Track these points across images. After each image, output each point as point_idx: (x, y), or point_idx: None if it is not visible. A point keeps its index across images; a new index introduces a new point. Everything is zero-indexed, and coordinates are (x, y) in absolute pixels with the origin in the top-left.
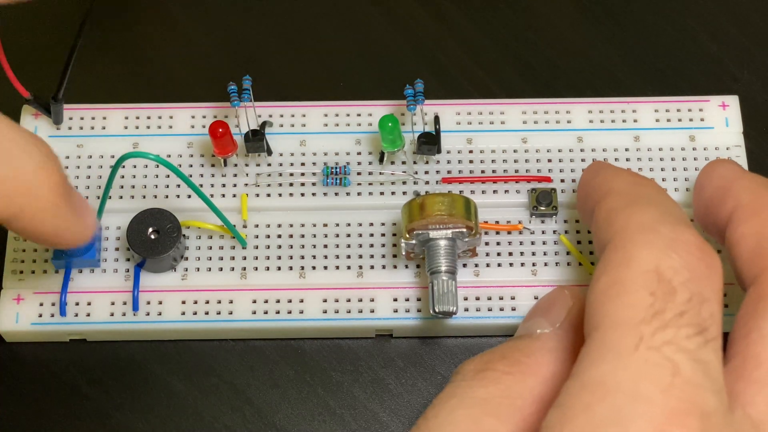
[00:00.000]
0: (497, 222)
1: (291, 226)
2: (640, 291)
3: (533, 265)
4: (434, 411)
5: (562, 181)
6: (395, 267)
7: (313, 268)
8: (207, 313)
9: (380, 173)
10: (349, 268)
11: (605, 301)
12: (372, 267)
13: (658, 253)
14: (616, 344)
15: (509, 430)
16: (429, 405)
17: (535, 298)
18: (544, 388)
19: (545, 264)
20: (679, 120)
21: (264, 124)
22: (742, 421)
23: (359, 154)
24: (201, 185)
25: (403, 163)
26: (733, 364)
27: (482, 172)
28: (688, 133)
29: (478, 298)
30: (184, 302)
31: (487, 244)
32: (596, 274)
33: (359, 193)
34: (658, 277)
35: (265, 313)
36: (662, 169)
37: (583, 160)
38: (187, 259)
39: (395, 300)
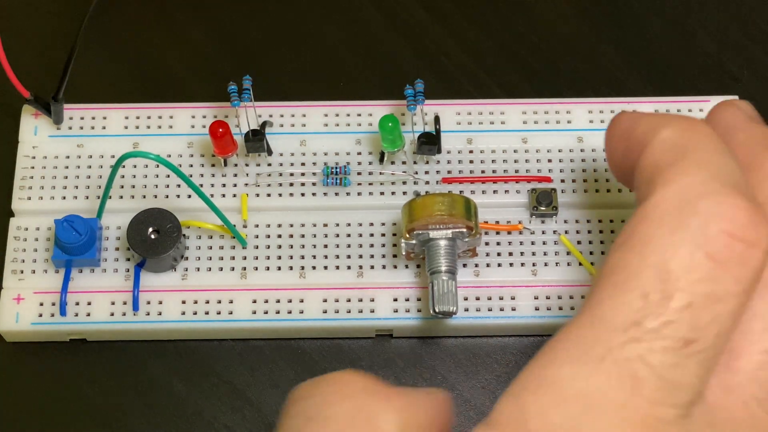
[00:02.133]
0: (497, 222)
1: (291, 226)
2: (635, 291)
3: (533, 265)
4: None
5: (562, 181)
6: (395, 267)
7: (313, 268)
8: (207, 313)
9: (380, 173)
10: (349, 268)
11: (601, 288)
12: (372, 267)
13: (683, 243)
14: (585, 348)
15: None
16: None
17: (535, 298)
18: (399, 415)
19: (545, 264)
20: None
21: (264, 124)
22: (699, 409)
23: (359, 154)
24: (201, 185)
25: (403, 163)
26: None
27: (482, 172)
28: None
29: (478, 298)
30: (184, 302)
31: (487, 244)
32: (619, 239)
33: (359, 193)
34: (661, 277)
35: (265, 313)
36: None
37: (583, 160)
38: (187, 259)
39: (395, 300)
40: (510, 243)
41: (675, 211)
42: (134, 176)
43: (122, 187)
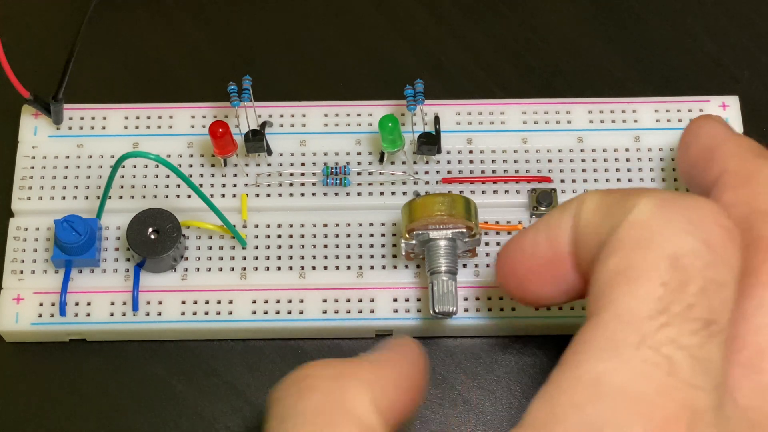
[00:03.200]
0: (497, 222)
1: (291, 226)
2: (653, 281)
3: None
4: None
5: (562, 181)
6: (395, 267)
7: (313, 268)
8: (207, 313)
9: (380, 173)
10: (349, 268)
11: (614, 286)
12: (372, 267)
13: (679, 234)
14: (617, 340)
15: None
16: None
17: None
18: (367, 388)
19: None
20: (679, 120)
21: (264, 124)
22: (732, 410)
23: (359, 154)
24: (201, 185)
25: (403, 163)
26: None
27: (482, 172)
28: None
29: (478, 298)
30: (184, 302)
31: (487, 244)
32: (609, 249)
33: (359, 193)
34: (674, 265)
35: (265, 313)
36: (662, 170)
37: (583, 160)
38: (187, 259)
39: (395, 300)
40: None
41: (666, 209)
42: (134, 176)
43: (122, 187)
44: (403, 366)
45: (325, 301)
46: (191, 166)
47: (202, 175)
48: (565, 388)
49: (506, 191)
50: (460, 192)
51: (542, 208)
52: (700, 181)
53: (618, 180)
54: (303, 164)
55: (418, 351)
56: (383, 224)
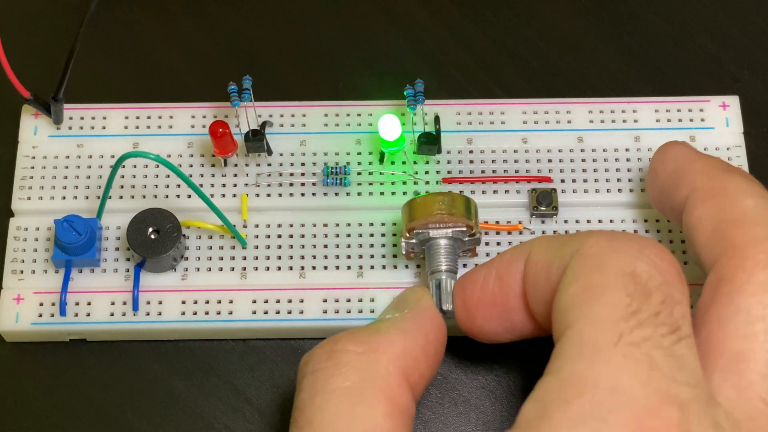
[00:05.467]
0: (497, 222)
1: (291, 226)
2: (618, 292)
3: None
4: (305, 416)
5: (563, 181)
6: (395, 267)
7: (313, 268)
8: (207, 313)
9: (380, 173)
10: (349, 268)
11: (581, 303)
12: (372, 267)
13: (632, 258)
14: (595, 340)
15: (381, 412)
16: (294, 408)
17: None
18: (399, 363)
19: None
20: (680, 120)
21: (264, 124)
22: (717, 411)
23: (359, 154)
24: (201, 185)
25: (403, 163)
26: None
27: (482, 172)
28: (688, 133)
29: None
30: (184, 302)
31: (487, 244)
32: (567, 279)
33: (359, 193)
34: (635, 280)
35: (265, 313)
36: None
37: (583, 160)
38: (187, 259)
39: None
40: (510, 243)
41: (615, 241)
42: (134, 176)
43: (122, 187)
44: (429, 332)
45: (325, 300)
46: (191, 166)
47: (202, 175)
48: (552, 388)
49: (506, 191)
50: (461, 192)
51: (542, 208)
52: (670, 203)
53: (618, 180)
54: (303, 164)
55: (438, 312)
56: (383, 224)
